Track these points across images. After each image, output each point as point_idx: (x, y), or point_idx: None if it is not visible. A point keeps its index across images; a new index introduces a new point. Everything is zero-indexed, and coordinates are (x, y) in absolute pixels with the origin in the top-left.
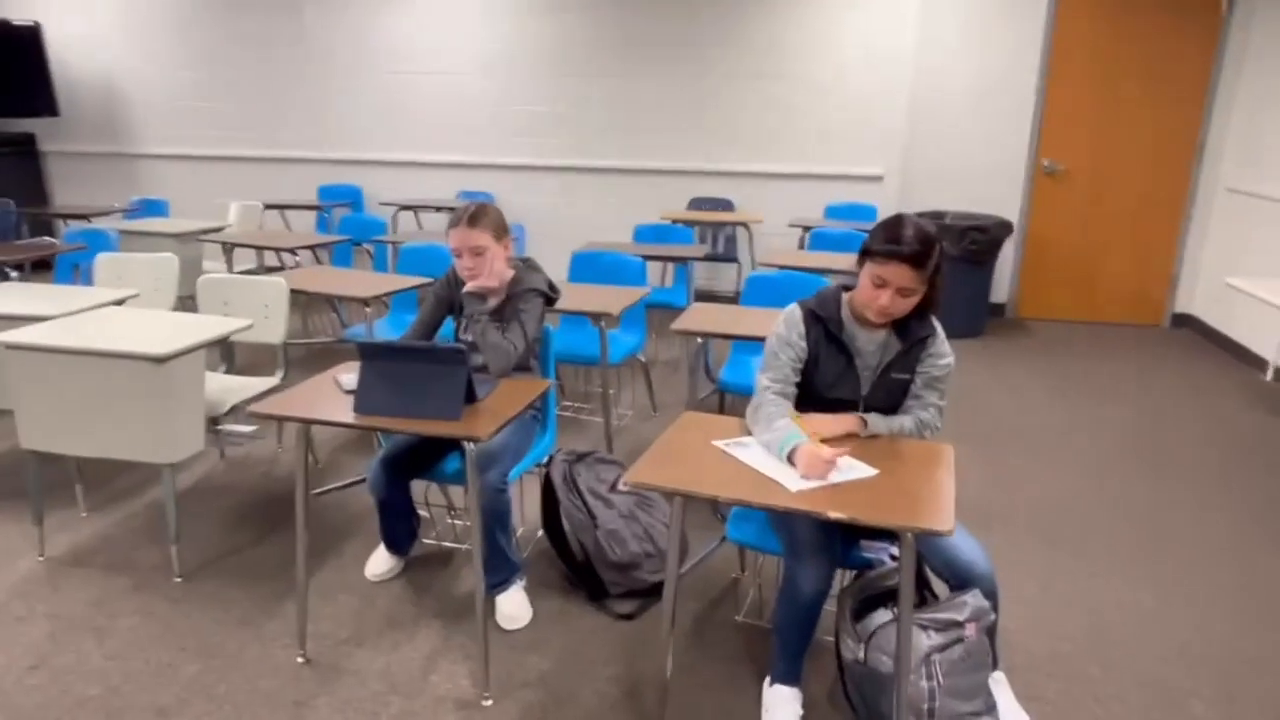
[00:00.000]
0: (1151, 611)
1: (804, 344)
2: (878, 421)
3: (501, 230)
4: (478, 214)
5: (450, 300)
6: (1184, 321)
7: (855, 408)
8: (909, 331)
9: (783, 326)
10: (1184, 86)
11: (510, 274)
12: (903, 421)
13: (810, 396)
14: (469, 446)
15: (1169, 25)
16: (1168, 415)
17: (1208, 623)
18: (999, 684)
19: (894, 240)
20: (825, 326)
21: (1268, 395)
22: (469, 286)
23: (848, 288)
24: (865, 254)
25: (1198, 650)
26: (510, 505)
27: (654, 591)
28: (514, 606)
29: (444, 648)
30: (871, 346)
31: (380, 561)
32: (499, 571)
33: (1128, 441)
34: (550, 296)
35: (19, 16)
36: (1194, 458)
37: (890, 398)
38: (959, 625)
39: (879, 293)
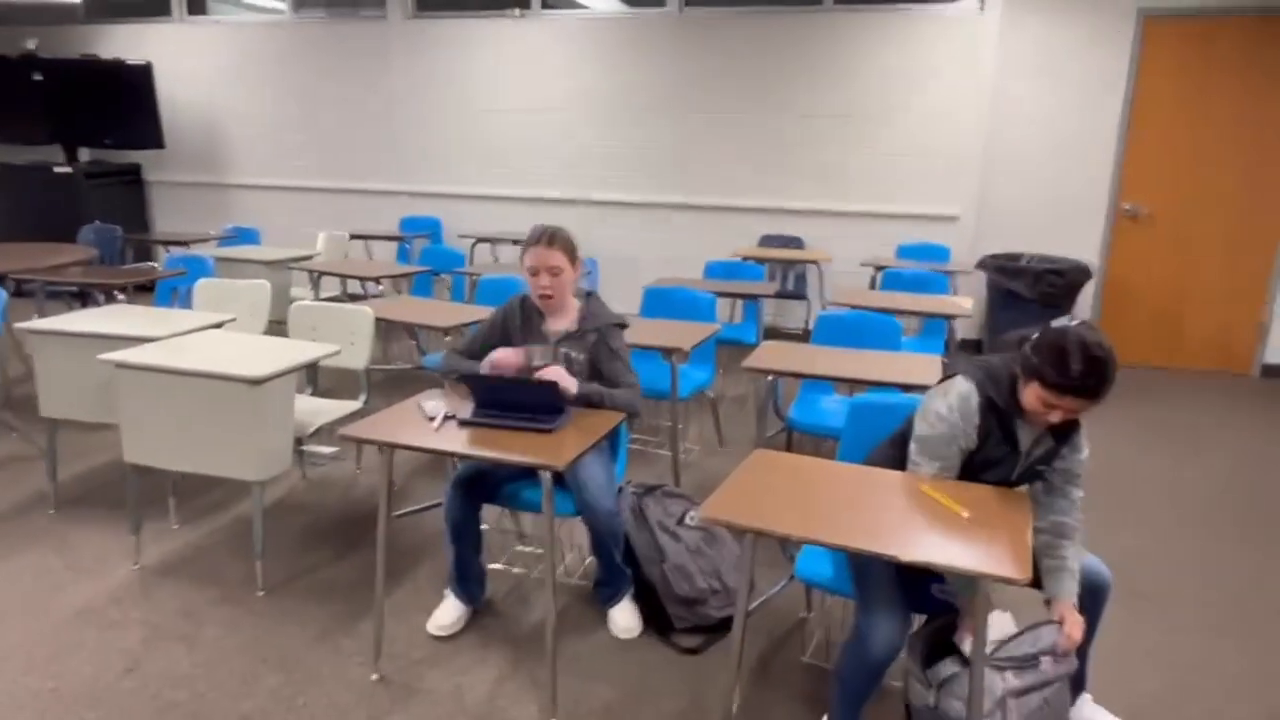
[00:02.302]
0: (1237, 675)
1: (975, 436)
2: (1072, 586)
3: (575, 254)
4: (555, 235)
5: (507, 330)
6: (1275, 372)
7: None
8: (1066, 430)
9: (957, 415)
10: (1275, 130)
11: (576, 302)
12: (1081, 559)
13: (962, 472)
14: (544, 475)
15: (1260, 68)
16: (1257, 468)
17: None
18: (1088, 704)
19: (1067, 375)
20: (1000, 419)
21: None
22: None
23: (1017, 371)
24: (1036, 378)
25: None
26: (623, 525)
27: (719, 627)
28: (627, 618)
29: (512, 673)
30: (1031, 437)
31: (449, 611)
32: (613, 585)
33: (1214, 495)
34: (625, 325)
35: (133, 56)
36: None
37: (1026, 483)
38: (1034, 659)
39: (1050, 411)
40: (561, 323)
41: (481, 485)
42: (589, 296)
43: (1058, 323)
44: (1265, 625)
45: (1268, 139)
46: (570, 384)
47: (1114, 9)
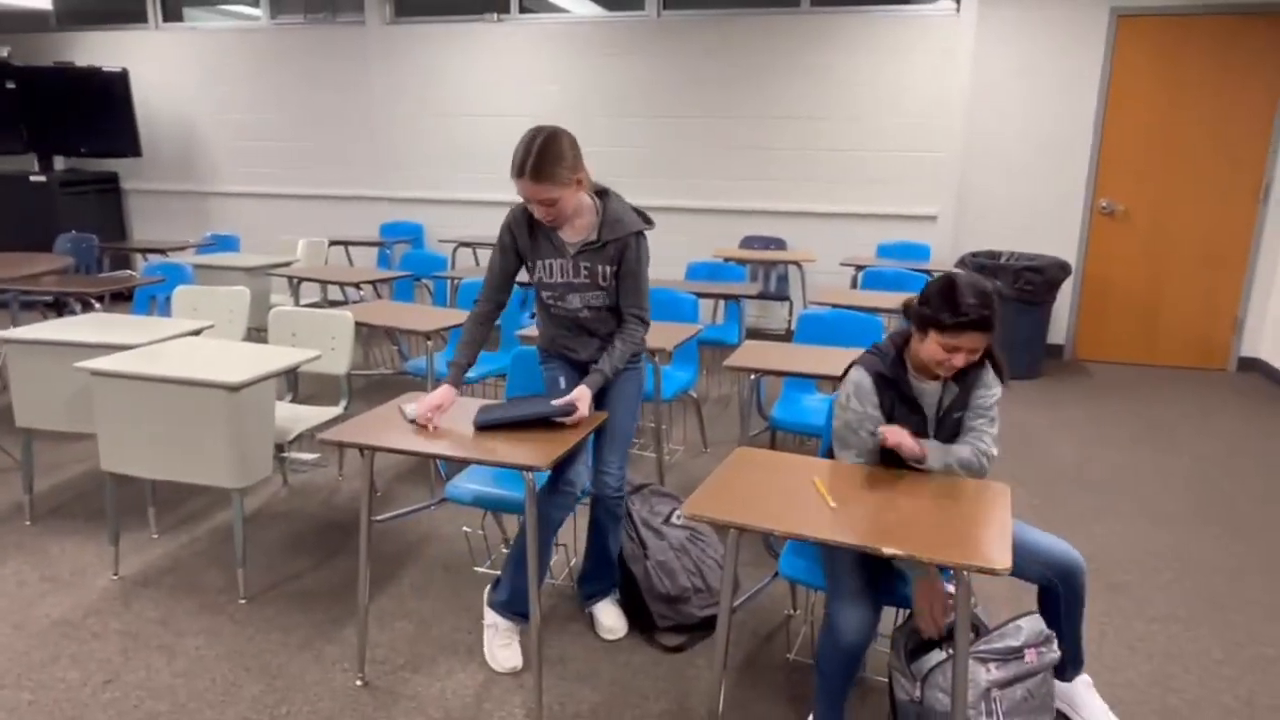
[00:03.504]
0: (1217, 664)
1: (879, 413)
2: (935, 452)
3: (571, 171)
4: (541, 163)
5: (516, 249)
6: (1251, 365)
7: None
8: (965, 373)
9: (855, 401)
10: (1247, 127)
11: (589, 204)
12: (959, 451)
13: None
14: (528, 477)
15: (1230, 66)
16: (1233, 462)
17: (1278, 677)
18: (1088, 688)
19: (960, 311)
20: (897, 388)
21: None
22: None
23: (903, 338)
24: (932, 325)
25: (1266, 703)
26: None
27: (702, 626)
28: (612, 618)
29: (498, 676)
30: (933, 391)
31: (510, 649)
32: (601, 580)
33: (1192, 488)
34: (649, 228)
35: (109, 64)
36: (1263, 507)
37: (951, 434)
38: (1018, 652)
39: (952, 356)
40: (577, 233)
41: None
42: (605, 196)
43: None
44: (1241, 614)
45: (1239, 135)
46: (588, 402)
47: (1088, 7)
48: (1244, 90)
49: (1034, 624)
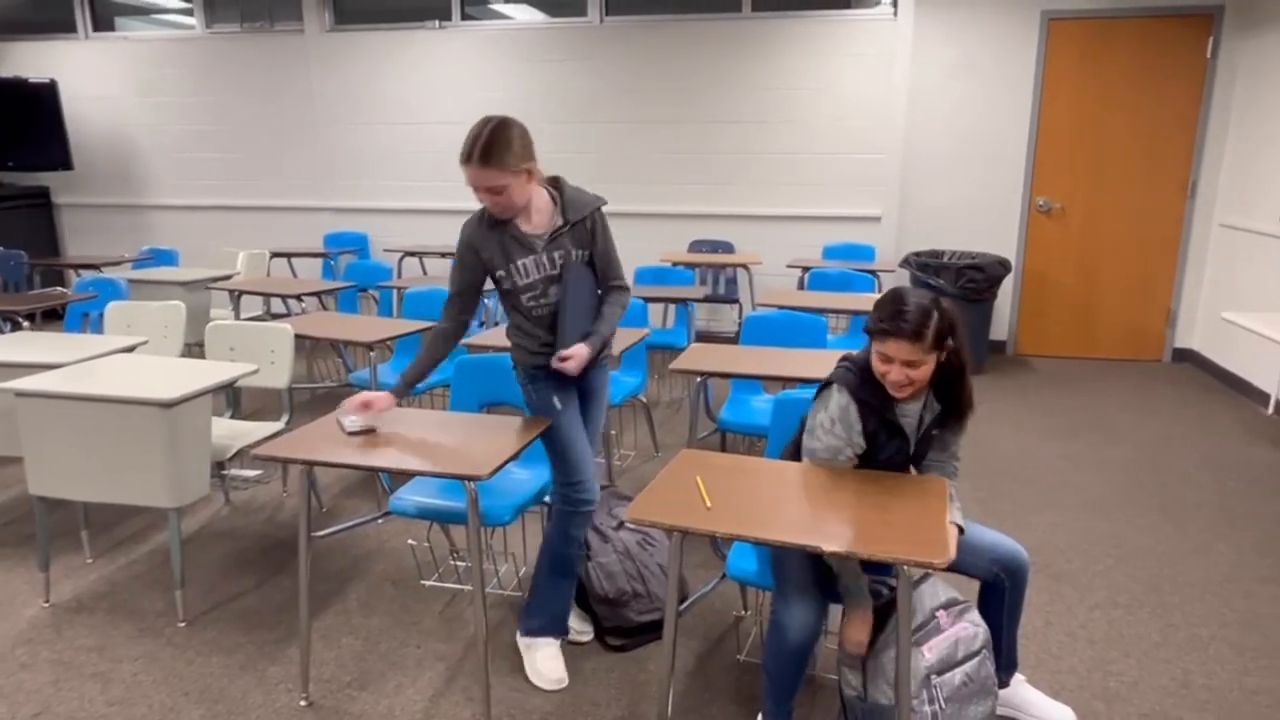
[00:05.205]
0: (1155, 646)
1: (862, 440)
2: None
3: (520, 160)
4: (489, 149)
5: (482, 262)
6: (1185, 356)
7: (903, 468)
8: (947, 392)
9: (840, 428)
10: (1173, 125)
11: (545, 196)
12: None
13: (861, 462)
14: (469, 487)
15: (1156, 67)
16: (1169, 450)
17: (1211, 657)
18: (1021, 684)
19: (888, 318)
20: (880, 412)
21: (1269, 429)
22: (557, 364)
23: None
24: (867, 332)
25: (1200, 683)
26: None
27: (643, 630)
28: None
29: (446, 690)
30: (914, 412)
31: (556, 661)
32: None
33: (1130, 477)
34: (605, 203)
35: (36, 74)
36: (1196, 492)
37: (927, 450)
38: (930, 619)
39: (888, 368)
40: (539, 224)
41: None
42: (558, 183)
43: None
44: (1176, 596)
45: (1166, 133)
46: (583, 360)
47: (1019, 11)
48: (1168, 89)
49: (933, 587)
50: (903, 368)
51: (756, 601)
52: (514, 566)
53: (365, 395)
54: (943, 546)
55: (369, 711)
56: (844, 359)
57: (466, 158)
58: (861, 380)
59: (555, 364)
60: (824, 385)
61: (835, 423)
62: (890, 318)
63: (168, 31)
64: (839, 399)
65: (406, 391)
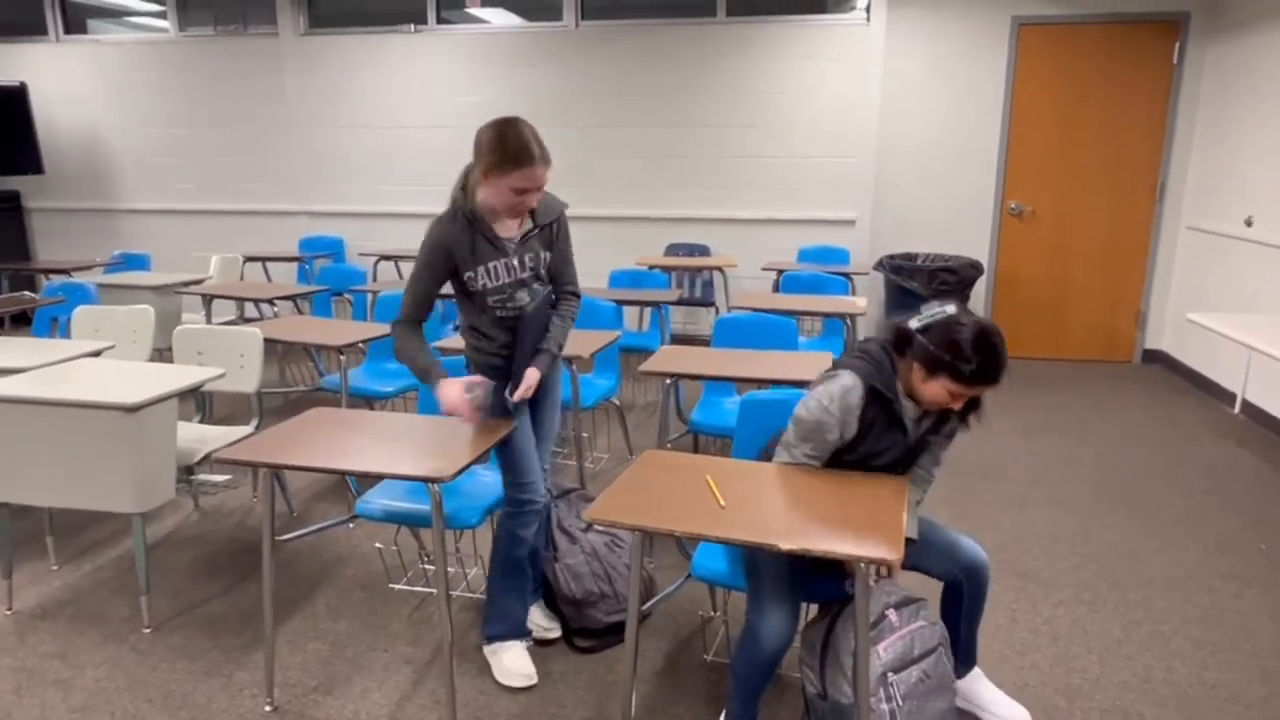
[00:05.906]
0: (1117, 642)
1: (855, 426)
2: (917, 494)
3: None
4: (544, 147)
5: (454, 265)
6: (1154, 357)
7: (895, 469)
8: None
9: (837, 407)
10: (1141, 129)
11: None
12: (921, 490)
13: (853, 458)
14: (433, 489)
15: (1125, 72)
16: (1137, 450)
17: (1172, 653)
18: (980, 679)
19: (986, 370)
20: (888, 407)
21: (1235, 428)
22: (511, 398)
23: (895, 348)
24: (948, 372)
25: (1161, 678)
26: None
27: (609, 631)
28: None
29: (413, 693)
30: (916, 414)
31: (523, 659)
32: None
33: (1098, 476)
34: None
35: (5, 77)
36: (1162, 491)
37: (921, 452)
38: (881, 617)
39: (955, 400)
40: (512, 227)
41: None
42: None
43: (934, 309)
44: (1139, 593)
45: (1134, 136)
46: (534, 383)
47: (991, 17)
48: (1137, 94)
49: (888, 587)
50: (968, 399)
51: (724, 602)
52: (482, 569)
53: (454, 394)
54: (896, 545)
55: (334, 716)
56: (861, 350)
57: (539, 158)
58: (878, 372)
59: (510, 398)
60: (835, 366)
61: (834, 401)
62: (990, 370)
63: (140, 34)
64: (846, 380)
65: (443, 370)
